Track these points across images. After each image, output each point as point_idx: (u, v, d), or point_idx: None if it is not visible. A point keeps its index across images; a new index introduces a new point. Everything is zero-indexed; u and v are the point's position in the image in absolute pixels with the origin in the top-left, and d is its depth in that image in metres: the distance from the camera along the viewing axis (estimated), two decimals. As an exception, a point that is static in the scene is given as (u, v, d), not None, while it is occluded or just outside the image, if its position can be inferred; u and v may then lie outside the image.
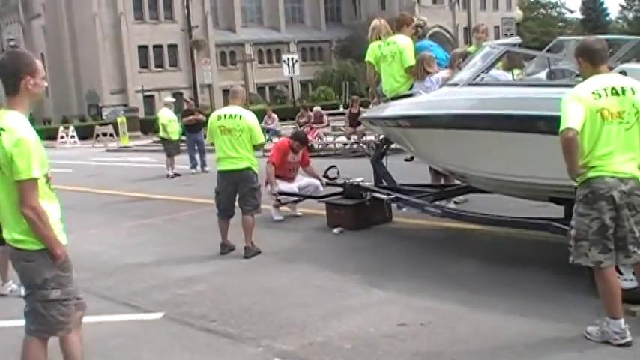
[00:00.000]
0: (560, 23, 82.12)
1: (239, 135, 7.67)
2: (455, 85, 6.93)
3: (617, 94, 4.43)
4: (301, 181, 9.98)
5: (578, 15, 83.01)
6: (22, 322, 5.97)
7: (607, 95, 4.42)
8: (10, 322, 6.08)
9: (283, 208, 9.93)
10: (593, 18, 75.60)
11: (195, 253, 8.16)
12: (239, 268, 7.34)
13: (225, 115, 7.82)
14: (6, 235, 3.79)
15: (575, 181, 4.58)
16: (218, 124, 7.81)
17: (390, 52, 8.15)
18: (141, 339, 5.35)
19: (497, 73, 7.12)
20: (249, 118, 7.79)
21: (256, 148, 7.94)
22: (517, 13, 31.25)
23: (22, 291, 6.75)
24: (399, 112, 7.69)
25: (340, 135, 20.96)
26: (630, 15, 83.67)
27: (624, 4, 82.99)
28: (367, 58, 8.78)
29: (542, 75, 6.74)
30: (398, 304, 5.65)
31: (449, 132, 6.72)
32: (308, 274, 6.84)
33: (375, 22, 9.10)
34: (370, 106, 9.86)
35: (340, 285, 6.38)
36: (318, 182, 9.87)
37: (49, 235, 3.64)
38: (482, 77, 6.70)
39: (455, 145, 6.77)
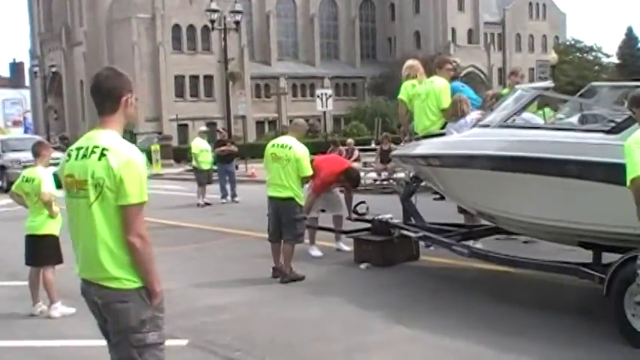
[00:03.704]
0: (596, 67, 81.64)
1: (286, 164, 7.95)
2: (486, 126, 6.97)
3: None
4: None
5: (615, 60, 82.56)
6: (51, 343, 6.10)
7: None
8: (38, 342, 6.19)
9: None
10: (630, 63, 75.10)
11: (221, 282, 8.23)
12: (265, 298, 7.39)
13: (277, 144, 8.19)
14: (89, 274, 3.31)
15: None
16: (271, 151, 8.17)
17: (426, 90, 8.30)
18: (165, 365, 5.37)
19: (529, 115, 7.15)
20: (299, 150, 8.01)
21: (303, 181, 8.16)
22: (552, 56, 31.27)
23: (52, 312, 6.91)
24: (431, 150, 7.74)
25: (371, 170, 21.02)
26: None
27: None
28: (400, 97, 8.90)
29: (574, 119, 6.76)
30: (422, 343, 5.63)
31: (479, 172, 6.73)
32: (333, 308, 6.86)
33: (411, 61, 9.24)
34: (401, 144, 9.91)
35: (365, 320, 6.38)
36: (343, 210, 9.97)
37: (152, 270, 3.25)
38: (514, 119, 6.74)
39: (485, 186, 6.78)
